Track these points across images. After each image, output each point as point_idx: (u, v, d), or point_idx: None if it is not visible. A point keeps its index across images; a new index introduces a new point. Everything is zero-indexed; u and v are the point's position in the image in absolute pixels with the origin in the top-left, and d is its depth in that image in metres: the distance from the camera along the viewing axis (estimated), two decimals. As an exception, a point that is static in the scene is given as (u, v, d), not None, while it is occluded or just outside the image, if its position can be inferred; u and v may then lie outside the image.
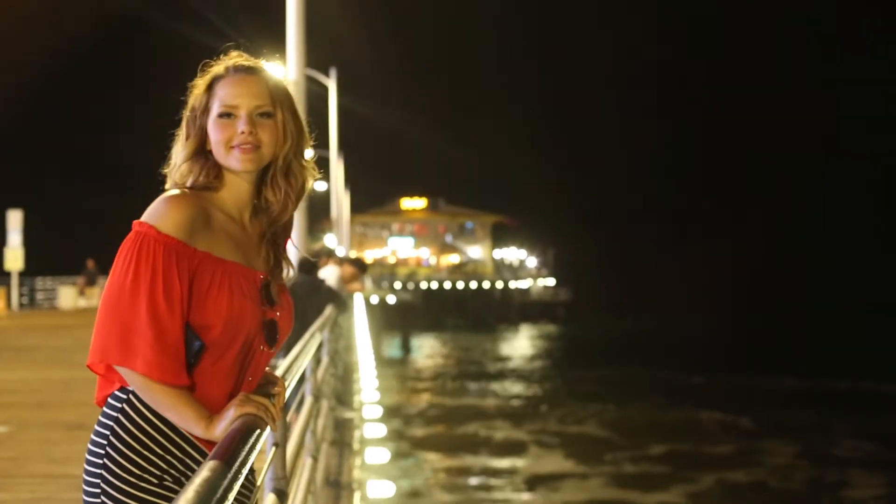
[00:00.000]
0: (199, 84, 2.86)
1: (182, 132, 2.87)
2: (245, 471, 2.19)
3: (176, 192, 2.73)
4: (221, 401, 2.72)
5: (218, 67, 2.88)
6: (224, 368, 2.72)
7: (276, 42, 14.97)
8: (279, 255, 2.93)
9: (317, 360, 7.51)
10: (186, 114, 2.87)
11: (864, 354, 51.22)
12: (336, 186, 50.13)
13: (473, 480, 24.95)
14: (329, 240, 53.35)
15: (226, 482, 1.93)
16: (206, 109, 2.83)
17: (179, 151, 2.85)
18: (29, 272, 38.33)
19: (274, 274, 2.88)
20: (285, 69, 14.60)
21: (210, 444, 2.67)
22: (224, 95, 2.82)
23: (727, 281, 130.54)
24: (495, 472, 25.89)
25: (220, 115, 2.81)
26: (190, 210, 2.69)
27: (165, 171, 2.89)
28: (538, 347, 66.81)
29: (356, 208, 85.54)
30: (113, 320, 2.59)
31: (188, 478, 2.65)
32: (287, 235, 3.00)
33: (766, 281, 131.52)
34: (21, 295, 37.74)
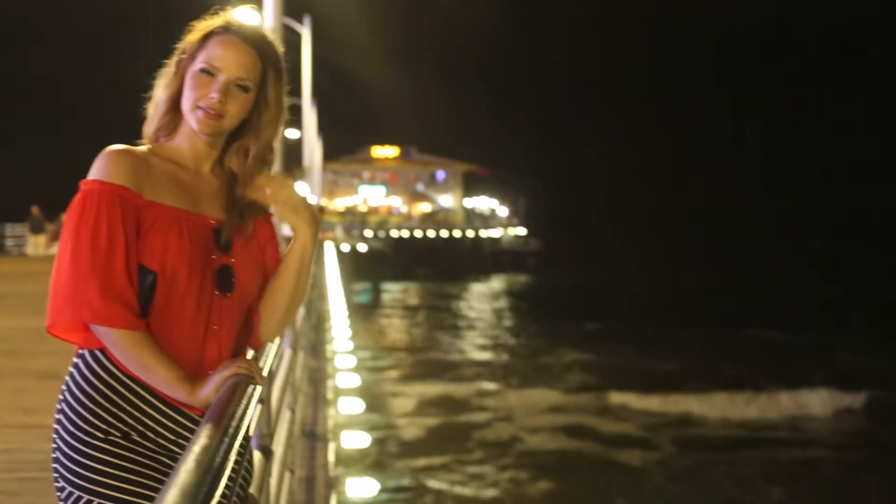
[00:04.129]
0: (197, 30, 2.81)
1: (170, 68, 2.82)
2: (242, 433, 2.16)
3: (115, 147, 2.70)
4: (192, 354, 2.69)
5: (219, 21, 2.82)
6: (185, 315, 2.68)
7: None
8: (241, 204, 2.88)
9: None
10: (177, 53, 2.82)
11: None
12: (308, 134, 49.84)
13: (445, 429, 25.09)
14: (301, 187, 53.04)
15: (224, 447, 1.89)
16: (192, 56, 2.79)
17: (162, 87, 2.82)
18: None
19: (231, 221, 2.83)
20: (261, 17, 14.44)
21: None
22: (212, 53, 2.77)
23: (697, 231, 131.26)
24: (464, 419, 26.08)
25: (201, 71, 2.76)
26: (130, 160, 2.68)
27: (147, 108, 2.86)
28: (508, 297, 66.98)
29: (328, 156, 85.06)
30: (59, 278, 2.58)
31: (157, 433, 2.64)
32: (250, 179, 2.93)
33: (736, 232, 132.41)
34: (-11, 241, 37.43)
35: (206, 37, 2.79)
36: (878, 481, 21.39)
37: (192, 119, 2.77)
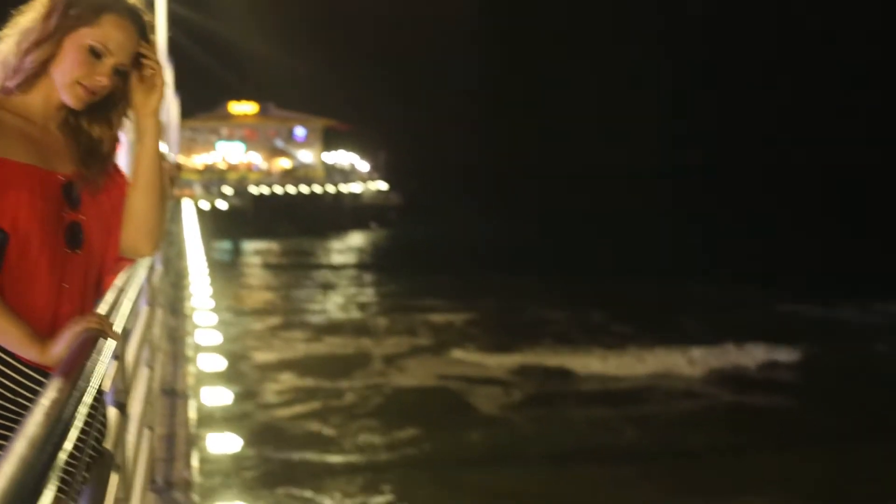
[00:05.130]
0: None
1: (44, 26, 2.75)
2: (94, 387, 2.15)
3: None
4: (47, 313, 2.68)
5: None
6: (39, 274, 2.66)
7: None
8: (91, 159, 2.85)
9: (150, 267, 7.37)
10: (53, 10, 2.75)
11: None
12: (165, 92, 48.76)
13: (307, 383, 25.10)
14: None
15: (73, 400, 1.89)
16: (77, 26, 2.72)
17: (31, 44, 2.75)
18: None
19: (83, 177, 2.80)
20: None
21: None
22: (108, 34, 2.75)
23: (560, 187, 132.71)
24: (326, 373, 26.11)
25: (91, 50, 2.73)
26: None
27: None
28: (369, 251, 67.01)
29: (185, 113, 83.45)
30: None
31: (16, 393, 2.62)
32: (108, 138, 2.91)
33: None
34: None
35: (100, 9, 2.74)
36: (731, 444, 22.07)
37: (67, 92, 2.75)
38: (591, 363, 27.63)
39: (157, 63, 2.87)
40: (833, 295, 39.04)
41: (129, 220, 2.88)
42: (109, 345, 2.60)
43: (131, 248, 2.91)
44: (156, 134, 2.93)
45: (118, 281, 3.43)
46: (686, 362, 27.67)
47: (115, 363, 3.52)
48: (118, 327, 2.83)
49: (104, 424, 2.94)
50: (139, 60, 2.84)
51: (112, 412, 3.37)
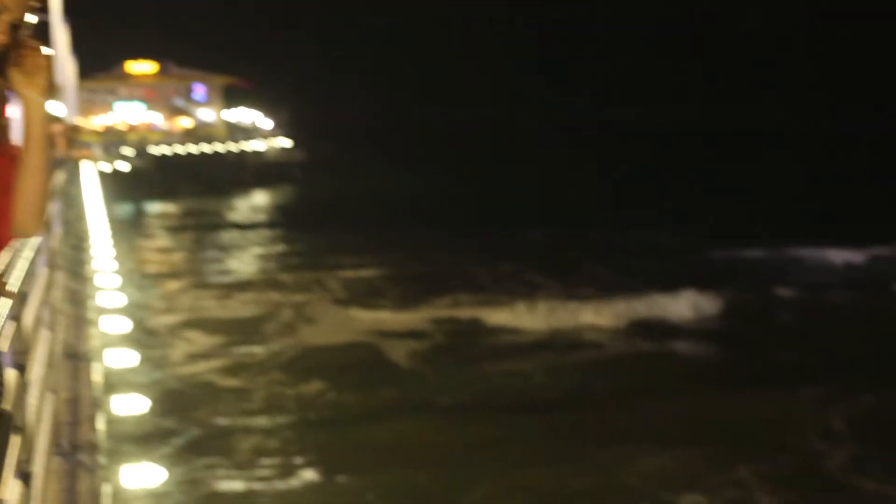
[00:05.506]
0: None
1: None
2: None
3: None
4: None
5: None
6: None
7: None
8: None
9: (49, 229, 7.26)
10: None
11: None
12: (60, 52, 47.73)
13: (214, 341, 24.97)
14: (55, 107, 50.92)
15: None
16: None
17: None
18: None
19: None
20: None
21: None
22: None
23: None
24: (233, 331, 26.00)
25: None
26: None
27: None
28: (273, 209, 66.53)
29: (82, 74, 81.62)
30: None
31: None
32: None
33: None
34: None
35: None
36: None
37: None
38: (502, 315, 27.79)
39: (36, 45, 2.82)
40: (737, 242, 39.77)
41: (19, 199, 2.85)
42: (3, 303, 2.58)
43: (20, 227, 2.88)
44: (44, 115, 2.89)
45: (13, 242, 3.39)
46: (594, 312, 27.93)
47: (12, 324, 3.48)
48: (13, 287, 2.80)
49: (1, 385, 2.91)
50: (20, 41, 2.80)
51: (10, 374, 3.33)
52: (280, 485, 15.82)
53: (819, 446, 17.89)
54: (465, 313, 28.23)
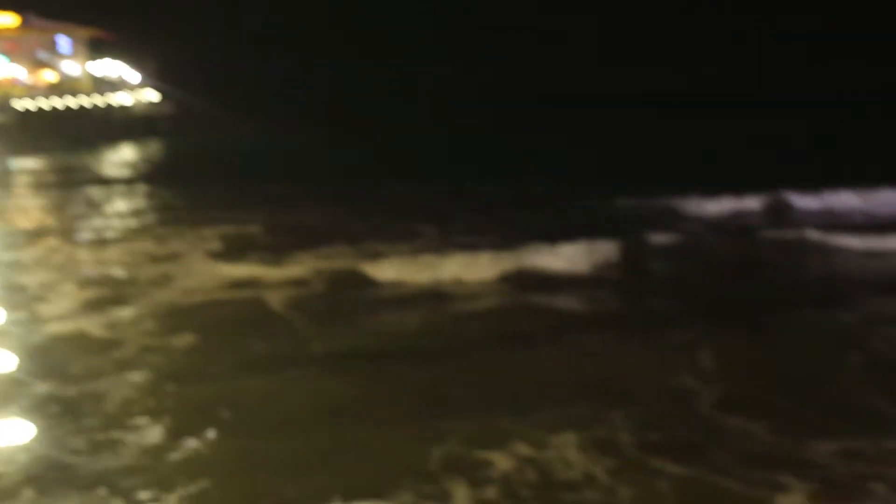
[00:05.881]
0: None
1: None
2: None
3: None
4: None
5: None
6: None
7: None
8: None
9: None
10: None
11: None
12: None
13: (85, 297, 24.55)
14: None
15: None
16: None
17: None
18: None
19: None
20: None
21: None
22: None
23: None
24: (106, 285, 25.56)
25: None
26: None
27: None
28: (141, 163, 65.37)
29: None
30: None
31: None
32: None
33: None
34: None
35: None
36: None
37: None
38: (380, 268, 27.70)
39: None
40: (614, 192, 40.23)
41: None
42: None
43: None
44: None
45: None
46: (471, 264, 27.92)
47: None
48: None
49: None
50: None
51: None
52: (145, 439, 15.56)
53: (690, 386, 18.27)
54: (342, 265, 28.10)
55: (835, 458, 14.82)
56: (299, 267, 27.96)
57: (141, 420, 16.32)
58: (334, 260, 28.72)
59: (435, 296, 25.46)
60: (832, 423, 16.34)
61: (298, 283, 26.48)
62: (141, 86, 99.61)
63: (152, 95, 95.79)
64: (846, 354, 20.21)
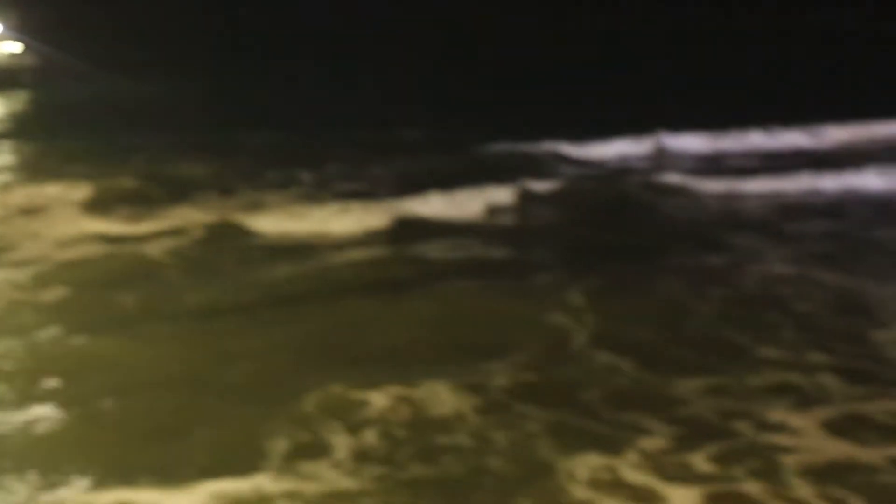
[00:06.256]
0: None
1: None
2: None
3: None
4: None
5: None
6: None
7: None
8: None
9: None
10: None
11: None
12: None
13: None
14: None
15: None
16: None
17: None
18: None
19: None
20: None
21: None
22: None
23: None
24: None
25: None
26: None
27: None
28: (1, 115, 63.49)
29: None
30: None
31: None
32: None
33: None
34: None
35: None
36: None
37: None
38: (255, 219, 27.28)
39: None
40: (495, 137, 39.87)
41: None
42: None
43: None
44: None
45: None
46: (346, 214, 27.66)
47: None
48: None
49: None
50: None
51: None
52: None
53: (563, 327, 18.56)
54: (217, 217, 27.60)
55: (701, 396, 15.16)
56: (172, 219, 27.45)
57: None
58: (209, 211, 28.22)
59: (310, 247, 25.20)
60: (699, 360, 16.73)
61: (172, 234, 26.02)
62: (1, 36, 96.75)
63: (14, 46, 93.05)
64: (712, 291, 20.77)
